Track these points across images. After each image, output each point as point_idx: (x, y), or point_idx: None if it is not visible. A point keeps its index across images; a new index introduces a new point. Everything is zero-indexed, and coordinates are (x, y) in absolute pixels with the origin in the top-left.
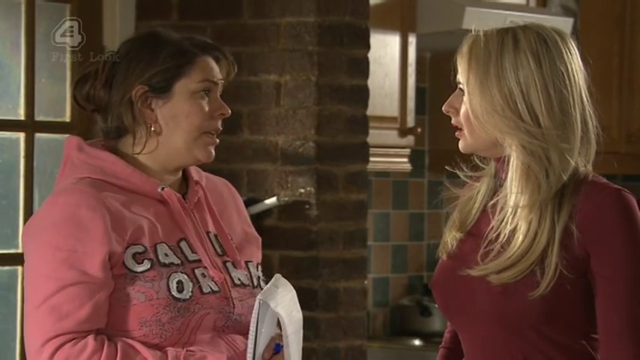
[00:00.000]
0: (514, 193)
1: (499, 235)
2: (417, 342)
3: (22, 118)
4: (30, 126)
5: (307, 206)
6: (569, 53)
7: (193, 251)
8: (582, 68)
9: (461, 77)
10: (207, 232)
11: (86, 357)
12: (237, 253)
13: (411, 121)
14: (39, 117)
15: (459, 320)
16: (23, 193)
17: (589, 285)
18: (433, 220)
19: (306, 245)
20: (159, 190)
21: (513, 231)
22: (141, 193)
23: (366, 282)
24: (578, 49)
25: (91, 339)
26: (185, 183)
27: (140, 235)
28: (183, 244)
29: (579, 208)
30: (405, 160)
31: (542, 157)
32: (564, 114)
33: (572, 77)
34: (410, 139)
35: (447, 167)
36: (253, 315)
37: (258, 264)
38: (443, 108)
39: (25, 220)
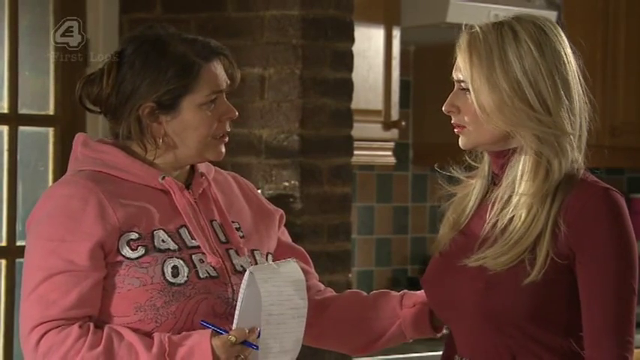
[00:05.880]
0: (524, 180)
1: (496, 224)
2: None
3: (6, 111)
4: (13, 119)
5: (291, 199)
6: (562, 40)
7: (193, 238)
8: (573, 55)
9: (463, 75)
10: (212, 221)
11: (70, 344)
12: (240, 241)
13: (395, 114)
14: (22, 110)
15: (448, 316)
16: (7, 187)
17: (574, 283)
18: (417, 213)
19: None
20: (159, 179)
21: (512, 219)
22: (142, 184)
23: (350, 275)
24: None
25: (75, 326)
26: (192, 174)
27: (136, 222)
28: (182, 231)
29: (567, 205)
30: (389, 153)
31: (555, 144)
32: (570, 99)
33: (570, 63)
34: (394, 133)
35: (435, 167)
36: (241, 286)
37: (268, 253)
38: (443, 108)
39: (9, 214)
